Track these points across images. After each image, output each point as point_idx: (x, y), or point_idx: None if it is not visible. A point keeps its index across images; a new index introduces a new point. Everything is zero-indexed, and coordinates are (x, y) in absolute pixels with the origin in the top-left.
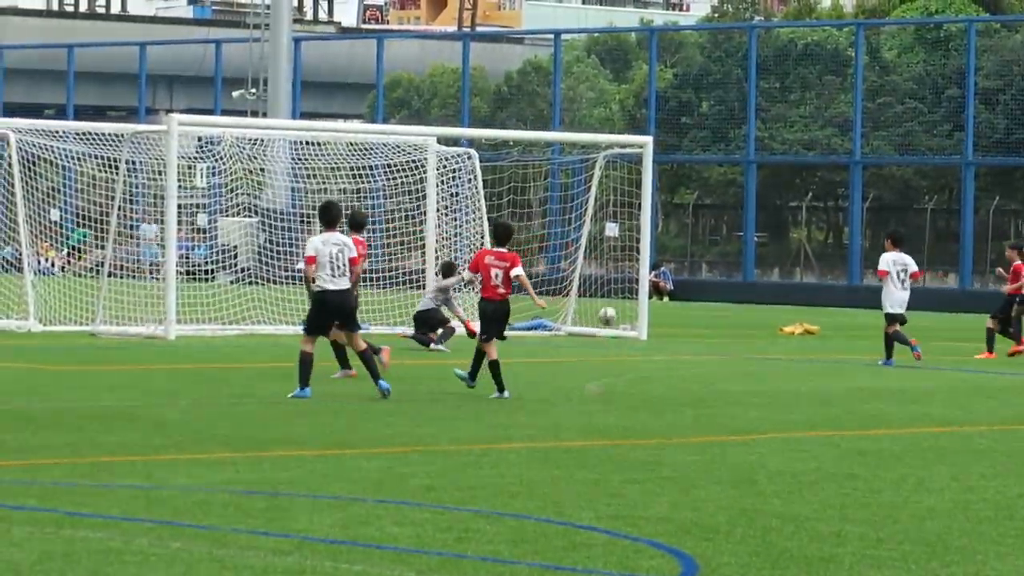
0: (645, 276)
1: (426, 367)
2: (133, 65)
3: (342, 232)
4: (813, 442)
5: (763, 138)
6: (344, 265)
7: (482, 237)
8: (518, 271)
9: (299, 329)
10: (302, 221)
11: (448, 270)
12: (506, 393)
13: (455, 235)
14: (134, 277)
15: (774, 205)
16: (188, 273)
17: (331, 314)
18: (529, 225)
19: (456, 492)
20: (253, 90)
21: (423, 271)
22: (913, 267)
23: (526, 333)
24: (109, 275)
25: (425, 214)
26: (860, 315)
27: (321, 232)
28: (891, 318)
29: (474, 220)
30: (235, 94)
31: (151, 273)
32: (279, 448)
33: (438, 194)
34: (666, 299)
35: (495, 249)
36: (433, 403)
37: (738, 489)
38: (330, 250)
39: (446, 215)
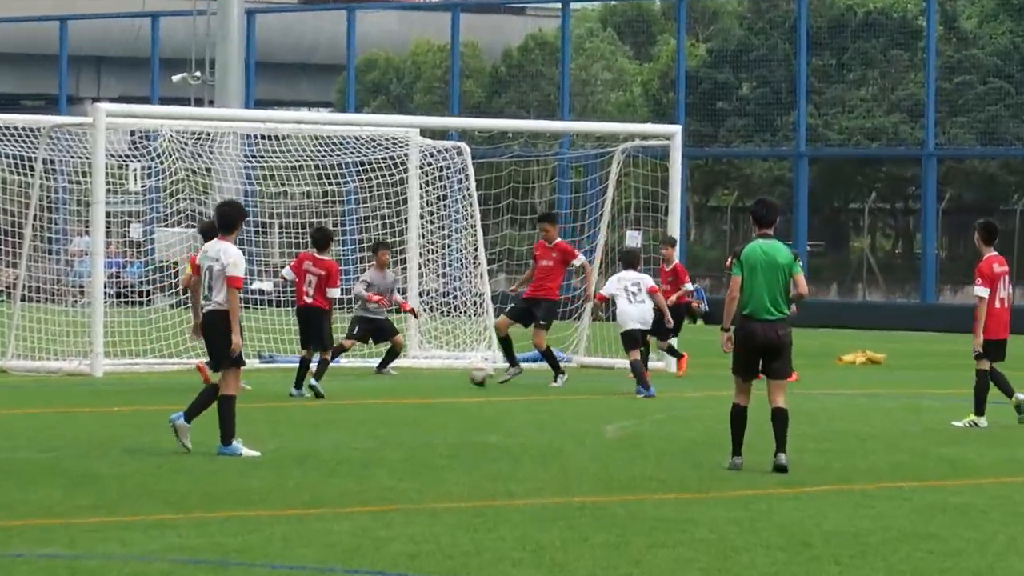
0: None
1: (410, 407)
2: (52, 44)
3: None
4: (879, 495)
5: (816, 126)
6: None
7: (475, 249)
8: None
9: (260, 364)
10: (258, 232)
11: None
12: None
13: (443, 246)
14: (52, 301)
15: (830, 208)
16: (119, 295)
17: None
18: (533, 234)
19: (445, 560)
20: (197, 73)
21: (404, 290)
22: (649, 281)
23: (531, 365)
24: (22, 299)
25: (407, 222)
26: (936, 341)
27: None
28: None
29: (466, 228)
30: (175, 78)
31: (75, 296)
32: (231, 507)
33: (422, 197)
34: (700, 322)
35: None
36: (418, 450)
37: (788, 553)
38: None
39: (432, 223)
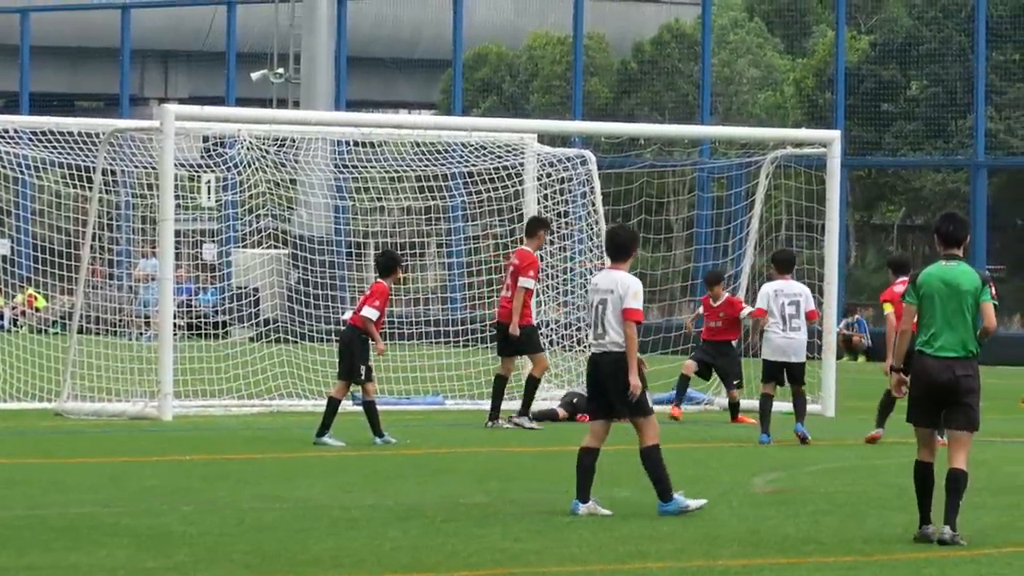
0: (832, 327)
1: (527, 456)
2: (112, 37)
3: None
4: None
5: (997, 132)
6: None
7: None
8: None
9: (352, 406)
10: (350, 254)
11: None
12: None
13: (565, 271)
14: (114, 333)
15: (1013, 226)
16: (190, 327)
17: None
18: (669, 256)
19: None
20: (280, 70)
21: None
22: (810, 303)
23: (664, 408)
24: (79, 331)
25: (522, 241)
26: None
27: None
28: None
29: (591, 250)
30: (255, 76)
31: (140, 328)
32: (321, 571)
33: (540, 214)
34: (862, 359)
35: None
36: (536, 506)
37: None
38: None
39: (552, 243)
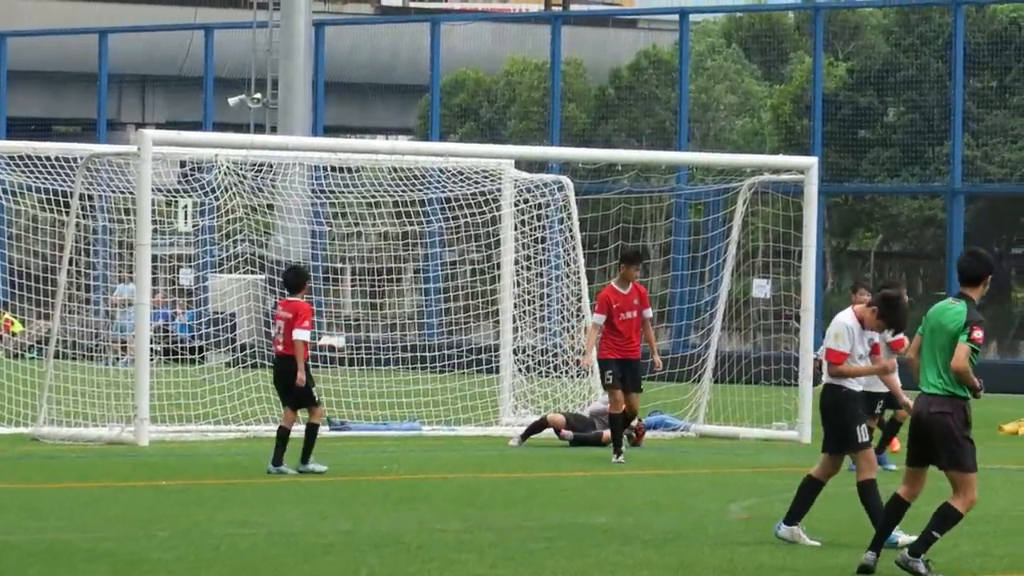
0: (808, 354)
1: (503, 483)
2: (90, 61)
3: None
4: None
5: (974, 159)
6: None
7: (579, 299)
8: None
9: (330, 431)
10: (328, 279)
11: None
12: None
13: (541, 296)
14: (91, 358)
15: (990, 253)
16: (167, 352)
17: None
18: (645, 282)
19: None
20: (257, 95)
21: (496, 347)
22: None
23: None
24: (56, 356)
25: (500, 267)
26: None
27: None
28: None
29: (568, 276)
30: (232, 101)
31: (116, 353)
32: None
33: (517, 239)
34: None
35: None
36: (512, 532)
37: None
38: None
39: (529, 268)
